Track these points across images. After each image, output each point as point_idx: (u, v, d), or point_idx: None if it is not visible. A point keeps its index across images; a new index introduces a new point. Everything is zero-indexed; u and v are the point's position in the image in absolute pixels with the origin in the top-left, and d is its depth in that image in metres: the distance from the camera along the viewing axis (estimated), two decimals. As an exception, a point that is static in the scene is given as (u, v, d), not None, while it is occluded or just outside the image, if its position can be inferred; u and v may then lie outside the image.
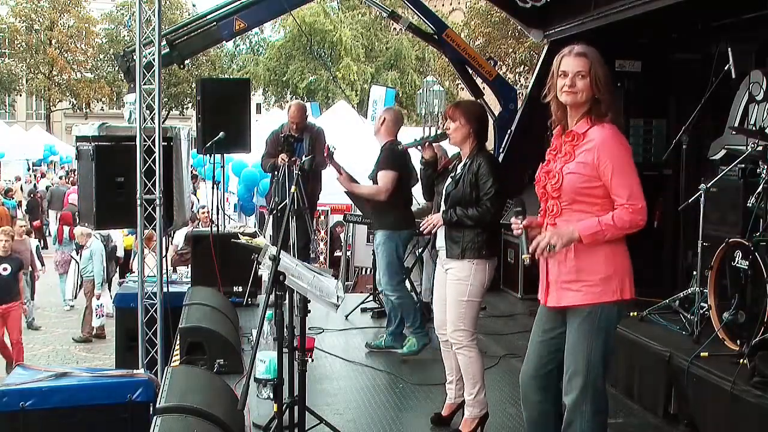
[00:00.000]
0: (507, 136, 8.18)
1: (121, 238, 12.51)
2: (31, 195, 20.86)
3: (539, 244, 3.03)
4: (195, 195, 15.35)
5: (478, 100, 8.50)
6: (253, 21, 8.11)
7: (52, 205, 19.70)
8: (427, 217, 4.33)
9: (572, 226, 3.02)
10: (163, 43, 7.00)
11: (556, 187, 3.09)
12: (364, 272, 9.72)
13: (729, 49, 5.34)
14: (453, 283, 4.10)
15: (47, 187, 21.85)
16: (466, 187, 4.08)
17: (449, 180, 4.20)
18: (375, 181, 5.49)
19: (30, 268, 11.33)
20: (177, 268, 9.09)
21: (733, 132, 5.69)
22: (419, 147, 4.40)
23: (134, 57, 6.34)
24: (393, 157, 5.40)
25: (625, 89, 6.93)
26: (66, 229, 13.08)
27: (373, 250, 5.78)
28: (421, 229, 4.42)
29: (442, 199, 4.20)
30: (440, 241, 4.21)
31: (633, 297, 3.14)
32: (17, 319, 9.13)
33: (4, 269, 8.89)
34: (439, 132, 4.46)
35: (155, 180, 6.06)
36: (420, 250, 7.14)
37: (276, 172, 6.94)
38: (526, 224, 3.13)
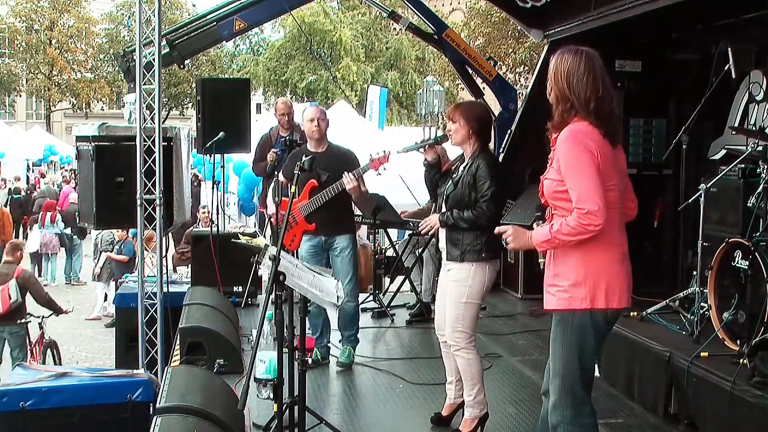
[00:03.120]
0: (507, 136, 8.18)
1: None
2: (26, 192, 21.35)
3: (497, 231, 3.17)
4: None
5: (479, 100, 8.51)
6: (253, 21, 8.11)
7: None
8: (425, 218, 4.34)
9: (530, 232, 3.09)
10: (163, 43, 7.00)
11: (540, 193, 3.16)
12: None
13: (729, 49, 5.34)
14: (452, 284, 4.10)
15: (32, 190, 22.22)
16: (464, 188, 4.07)
17: (449, 181, 4.19)
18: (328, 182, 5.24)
19: None
20: (177, 268, 9.10)
21: (733, 132, 5.69)
22: (421, 150, 4.39)
23: (134, 57, 6.34)
24: (356, 160, 5.32)
25: (625, 89, 6.93)
26: (48, 214, 15.07)
27: (328, 256, 5.38)
28: (419, 230, 4.42)
29: (443, 201, 4.20)
30: (443, 242, 4.21)
31: (611, 307, 3.04)
32: None
33: None
34: (439, 134, 4.45)
35: (155, 180, 6.06)
36: (420, 250, 7.15)
37: (275, 174, 6.94)
38: (498, 233, 3.21)
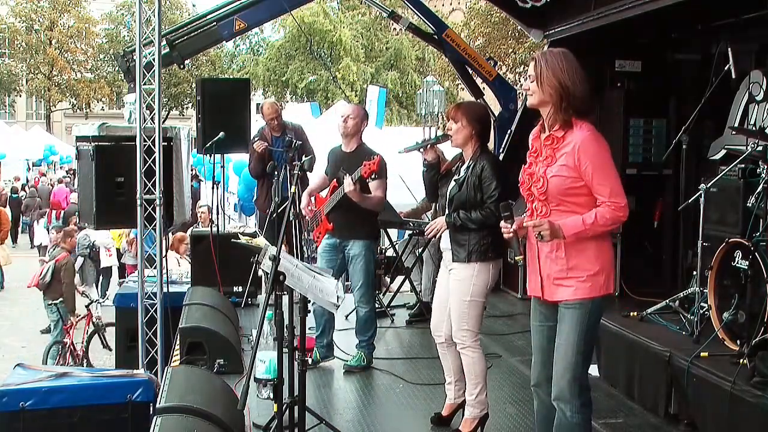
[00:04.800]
0: (507, 136, 8.18)
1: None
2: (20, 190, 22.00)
3: (533, 223, 3.14)
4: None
5: (478, 100, 8.50)
6: (253, 21, 8.11)
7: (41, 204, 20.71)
8: (430, 220, 4.33)
9: (559, 223, 3.13)
10: (163, 43, 7.00)
11: (542, 191, 3.21)
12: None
13: (729, 49, 5.34)
14: (456, 283, 4.10)
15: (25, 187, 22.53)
16: (470, 190, 4.07)
17: (452, 183, 4.18)
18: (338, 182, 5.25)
19: None
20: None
21: (733, 132, 5.69)
22: (421, 150, 4.38)
23: (134, 57, 6.34)
24: (385, 166, 5.28)
25: (625, 89, 6.93)
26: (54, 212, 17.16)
27: (343, 259, 5.38)
28: (425, 234, 4.41)
29: (446, 202, 4.19)
30: (445, 243, 4.20)
31: (614, 291, 3.33)
32: None
33: None
34: (440, 134, 4.44)
35: (155, 180, 6.06)
36: (420, 250, 7.14)
37: (276, 174, 6.94)
38: (515, 227, 3.23)
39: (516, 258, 3.26)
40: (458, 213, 4.08)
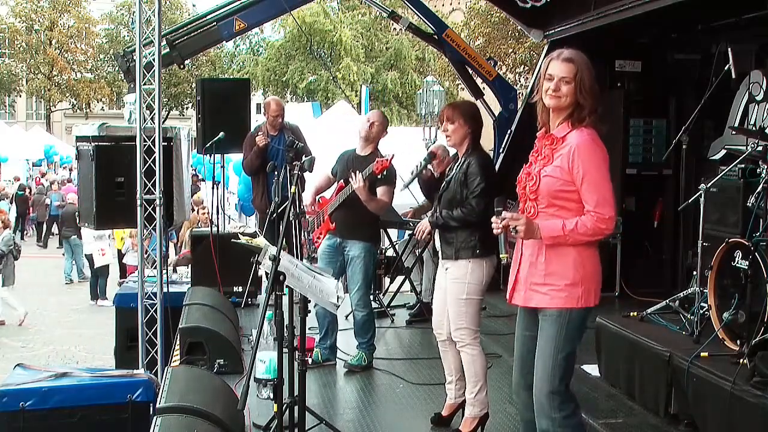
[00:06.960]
0: (507, 136, 8.18)
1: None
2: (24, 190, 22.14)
3: (510, 216, 3.07)
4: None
5: (478, 101, 8.51)
6: (253, 21, 8.11)
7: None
8: (419, 223, 4.35)
9: (538, 224, 3.06)
10: (163, 43, 7.00)
11: (533, 189, 3.14)
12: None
13: (729, 49, 5.34)
14: (451, 283, 4.10)
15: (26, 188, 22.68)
16: (456, 186, 4.07)
17: (444, 182, 4.21)
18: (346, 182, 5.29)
19: None
20: (177, 268, 9.10)
21: (733, 132, 5.70)
22: (425, 171, 4.35)
23: (134, 57, 6.35)
24: (394, 173, 5.29)
25: (625, 89, 6.93)
26: None
27: (343, 261, 5.38)
28: (415, 235, 4.42)
29: (437, 202, 4.21)
30: (438, 242, 4.22)
31: (597, 304, 3.16)
32: None
33: None
34: (426, 157, 4.42)
35: (155, 180, 6.06)
36: (420, 250, 7.15)
37: (276, 173, 6.93)
38: (505, 224, 3.12)
39: (500, 256, 3.22)
40: (440, 212, 4.08)
